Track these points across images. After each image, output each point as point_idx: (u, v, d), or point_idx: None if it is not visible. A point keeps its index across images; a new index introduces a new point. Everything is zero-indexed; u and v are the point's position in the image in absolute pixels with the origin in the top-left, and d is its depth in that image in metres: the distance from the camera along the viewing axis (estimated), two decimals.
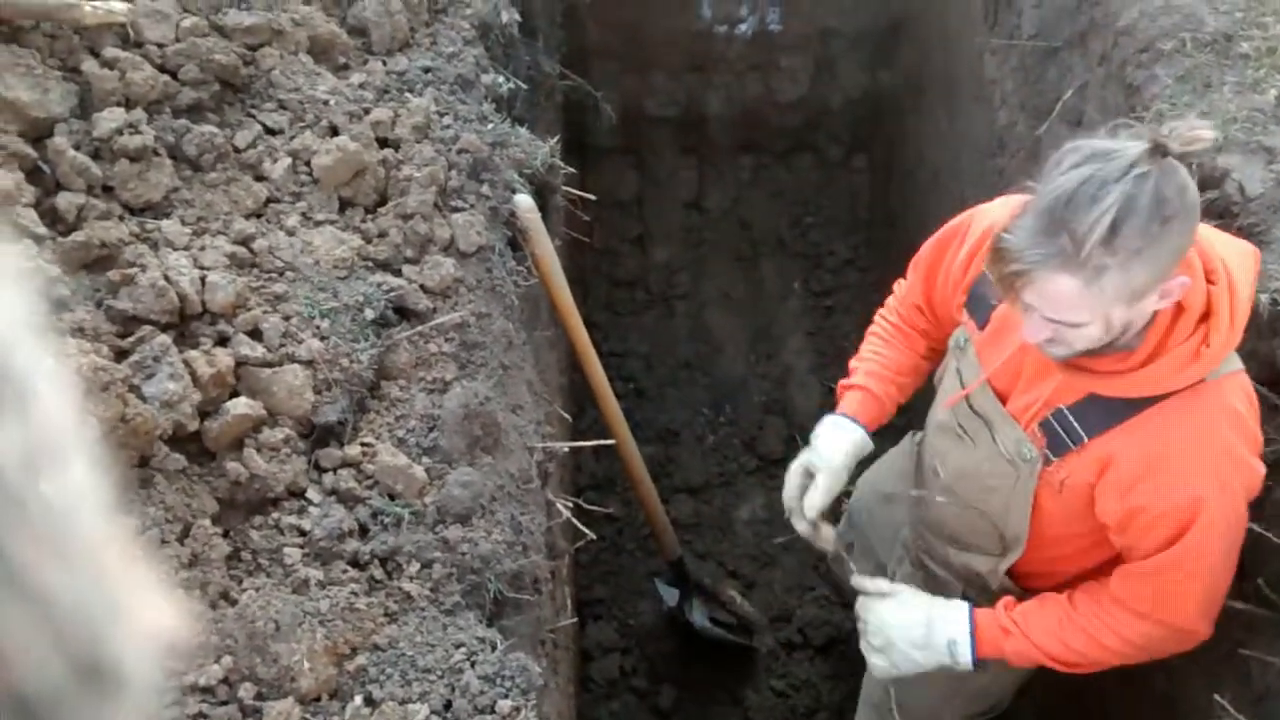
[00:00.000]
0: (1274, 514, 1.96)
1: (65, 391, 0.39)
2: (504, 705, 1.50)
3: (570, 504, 2.06)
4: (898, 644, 1.96)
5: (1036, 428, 1.78)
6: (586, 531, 2.16)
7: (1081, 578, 1.91)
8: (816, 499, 2.05)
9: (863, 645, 2.03)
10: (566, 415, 2.36)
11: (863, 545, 2.58)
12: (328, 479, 1.67)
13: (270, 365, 1.68)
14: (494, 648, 1.57)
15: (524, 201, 2.07)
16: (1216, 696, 1.90)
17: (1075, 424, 1.72)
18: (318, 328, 1.76)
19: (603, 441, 2.24)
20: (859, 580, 2.06)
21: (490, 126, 2.14)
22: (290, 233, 1.84)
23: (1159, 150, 1.40)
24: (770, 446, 3.68)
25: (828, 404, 2.20)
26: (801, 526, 2.09)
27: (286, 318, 1.75)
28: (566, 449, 2.15)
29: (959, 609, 1.93)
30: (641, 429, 3.66)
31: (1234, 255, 1.64)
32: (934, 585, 2.13)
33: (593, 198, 2.49)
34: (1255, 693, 1.96)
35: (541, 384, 2.20)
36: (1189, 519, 1.65)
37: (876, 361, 2.11)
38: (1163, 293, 1.51)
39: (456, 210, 1.98)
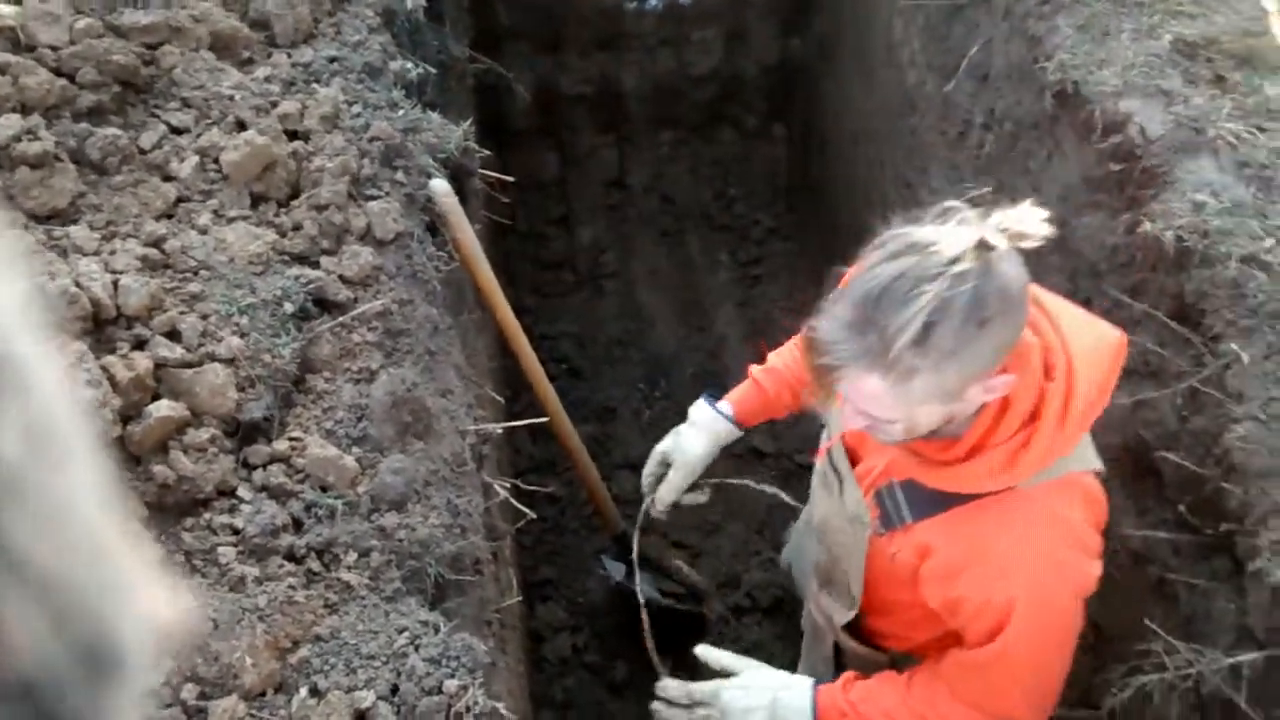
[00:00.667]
0: (1191, 443, 2.03)
1: (63, 378, 0.39)
2: (451, 685, 1.51)
3: (508, 485, 2.07)
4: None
5: (873, 496, 1.73)
6: (526, 511, 2.17)
7: (938, 642, 1.83)
8: (668, 495, 2.12)
9: None
10: (499, 398, 2.36)
11: (797, 570, 2.57)
12: (257, 476, 1.66)
13: (190, 366, 1.66)
14: (437, 630, 1.57)
15: (440, 186, 2.07)
16: (1147, 621, 1.96)
17: (902, 503, 1.67)
18: (237, 325, 1.74)
19: (535, 420, 2.24)
20: (704, 651, 2.00)
21: (401, 113, 2.13)
22: (203, 231, 1.82)
23: (983, 247, 1.30)
24: None
25: None
26: (654, 513, 2.14)
27: (204, 317, 1.73)
28: (500, 430, 2.15)
29: (802, 692, 1.84)
30: (578, 408, 3.67)
31: (1086, 348, 1.53)
32: (815, 629, 2.13)
33: (511, 179, 2.49)
34: (1183, 615, 2.02)
35: (470, 368, 2.20)
36: (1004, 618, 1.57)
37: (783, 360, 2.12)
38: (986, 388, 1.43)
39: (371, 199, 1.97)
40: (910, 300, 1.31)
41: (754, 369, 2.15)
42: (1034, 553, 1.54)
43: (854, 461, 1.80)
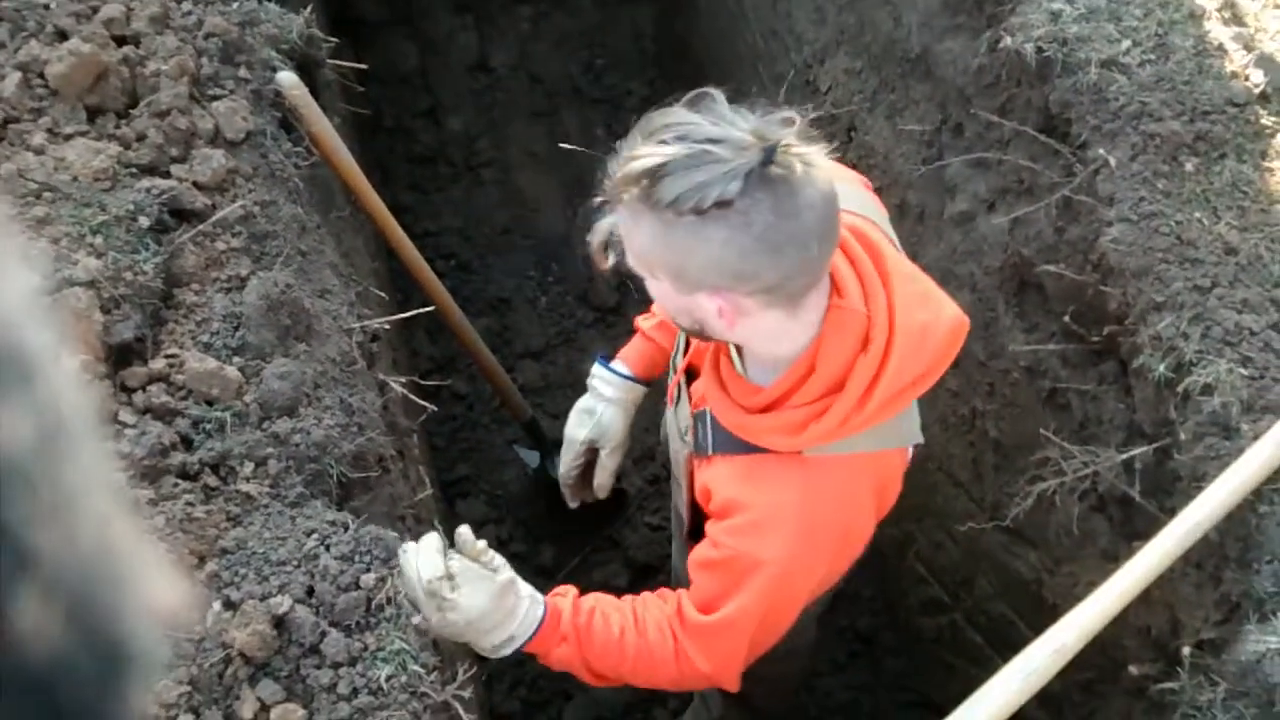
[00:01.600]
0: (1069, 253, 2.07)
1: (71, 370, 0.38)
2: (367, 579, 1.49)
3: (403, 381, 2.03)
4: (469, 625, 1.57)
5: (694, 416, 1.70)
6: (427, 406, 2.14)
7: None
8: (606, 480, 2.04)
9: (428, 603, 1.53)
10: (383, 295, 2.31)
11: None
12: (138, 398, 1.59)
13: (48, 293, 1.58)
14: (346, 528, 1.55)
15: (286, 79, 1.97)
16: (1042, 430, 2.03)
17: (710, 432, 1.63)
18: (91, 245, 1.65)
19: (421, 310, 2.20)
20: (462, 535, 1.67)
21: (236, 5, 2.01)
22: (38, 151, 1.71)
23: (768, 148, 1.25)
24: (604, 297, 3.69)
25: None
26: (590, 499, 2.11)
27: (55, 241, 1.64)
28: (389, 328, 2.10)
29: (534, 614, 1.65)
30: (472, 302, 3.61)
31: (914, 327, 1.47)
32: (676, 519, 2.13)
33: (364, 68, 2.39)
34: (1077, 422, 2.09)
35: (350, 267, 2.14)
36: (745, 576, 1.54)
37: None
38: (721, 308, 1.38)
39: (215, 99, 1.87)
40: (670, 140, 1.27)
41: (640, 323, 2.08)
42: (796, 527, 1.51)
43: (692, 379, 1.76)
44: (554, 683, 2.97)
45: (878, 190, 2.42)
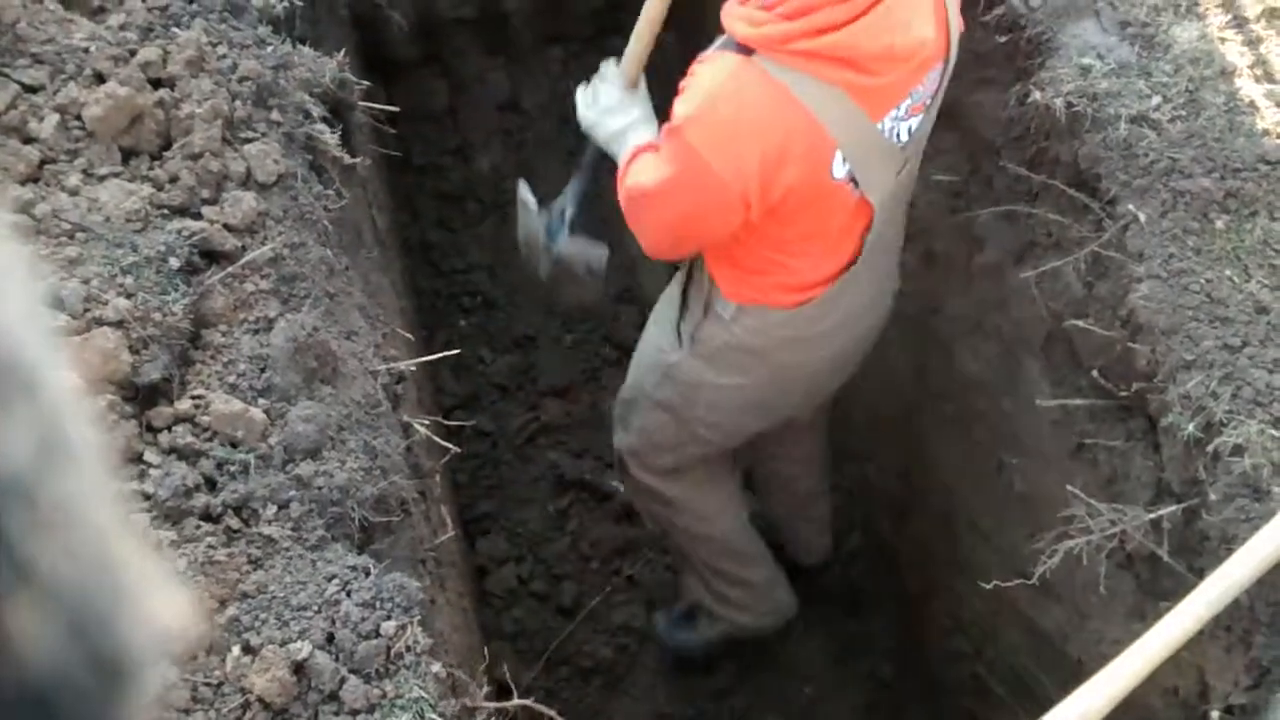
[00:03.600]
0: (1098, 308, 2.06)
1: (72, 384, 0.38)
2: (388, 627, 1.49)
3: (427, 422, 2.03)
4: (603, 107, 2.24)
5: None
6: (450, 447, 2.14)
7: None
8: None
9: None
10: (409, 336, 2.32)
11: None
12: (163, 438, 1.60)
13: (78, 333, 1.59)
14: (368, 573, 1.54)
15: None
16: (1069, 487, 2.01)
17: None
18: (121, 286, 1.67)
19: (448, 353, 2.20)
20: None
21: (270, 49, 2.04)
22: (73, 192, 1.74)
23: None
24: (626, 335, 3.69)
25: None
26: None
27: (85, 281, 1.65)
28: (414, 369, 2.11)
29: (647, 130, 2.16)
30: (497, 339, 3.63)
31: (899, 20, 1.73)
32: None
33: (396, 110, 2.41)
34: (1104, 477, 2.07)
35: (376, 307, 2.15)
36: (669, 135, 1.89)
37: None
38: None
39: (248, 141, 1.89)
40: None
41: None
42: (707, 89, 1.80)
43: None
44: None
45: (906, 239, 2.44)
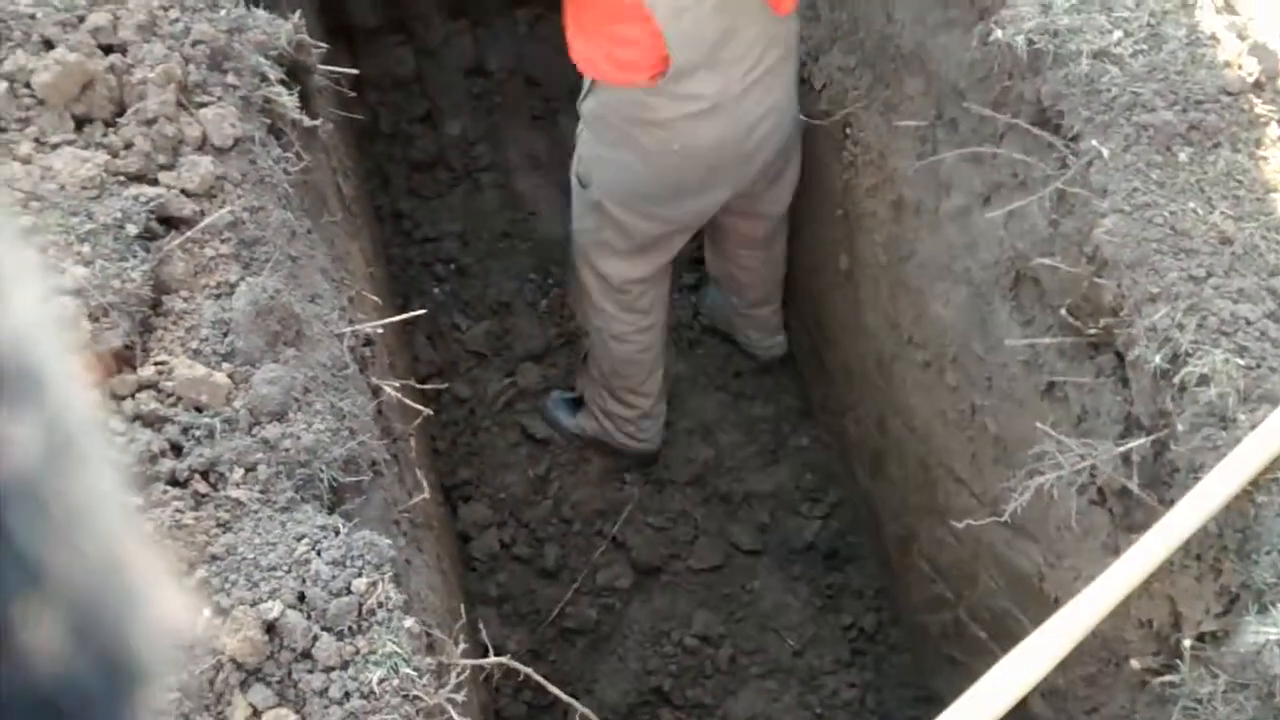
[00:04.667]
0: (1064, 245, 2.06)
1: (81, 385, 0.39)
2: (359, 584, 1.49)
3: (396, 385, 2.02)
4: None
5: None
6: (421, 409, 2.14)
7: None
8: None
9: None
10: (377, 300, 2.30)
11: None
12: (127, 405, 1.59)
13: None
14: (338, 532, 1.54)
15: None
16: (1039, 424, 2.01)
17: None
18: (79, 254, 1.65)
19: (417, 312, 2.20)
20: None
21: (223, 13, 2.01)
22: (25, 161, 1.71)
23: None
24: None
25: None
26: None
27: (42, 249, 1.63)
28: (382, 331, 2.09)
29: None
30: (472, 306, 3.61)
31: None
32: None
33: (353, 71, 2.38)
34: (1075, 415, 2.08)
35: (342, 271, 2.13)
36: None
37: None
38: None
39: (203, 106, 1.87)
40: None
41: None
42: None
43: None
44: (560, 686, 2.96)
45: (874, 185, 2.42)
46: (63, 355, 0.39)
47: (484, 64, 3.99)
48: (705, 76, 2.41)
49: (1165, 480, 1.81)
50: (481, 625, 2.23)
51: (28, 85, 1.78)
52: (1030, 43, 2.02)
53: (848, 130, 2.74)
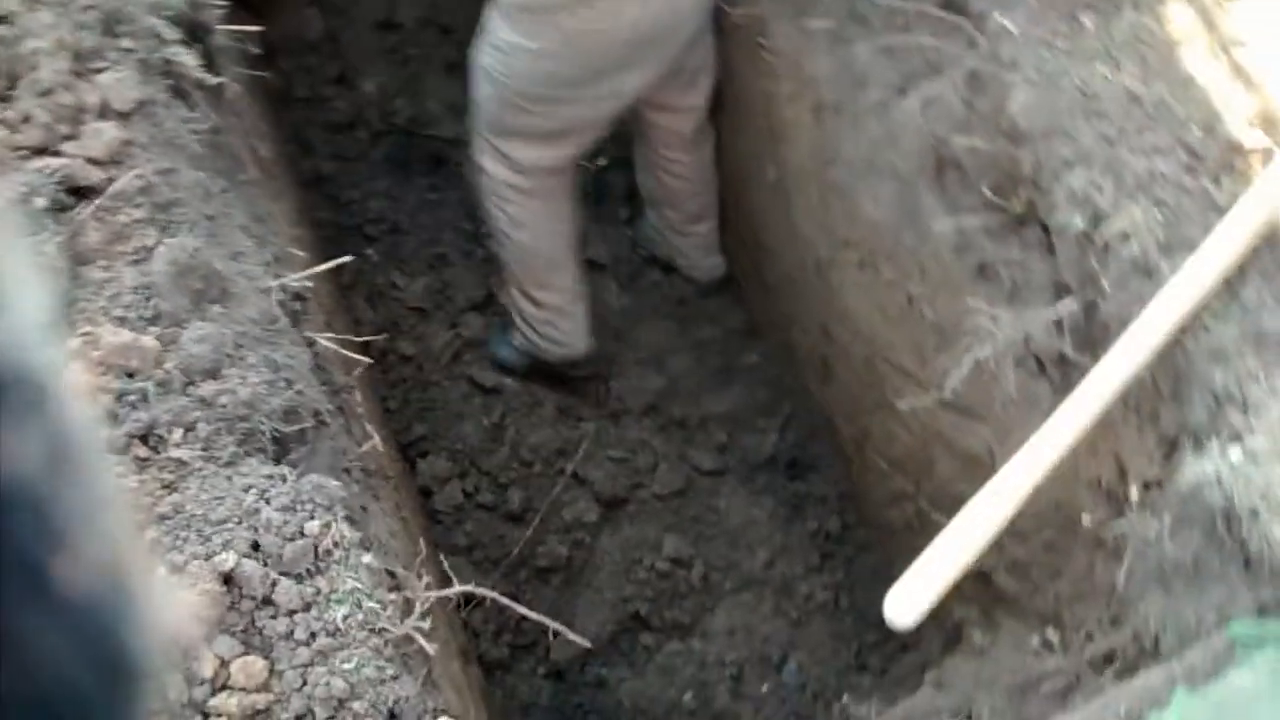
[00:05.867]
0: (981, 124, 2.07)
1: (81, 392, 0.37)
2: (312, 526, 1.49)
3: (330, 336, 2.01)
4: None
5: None
6: (360, 358, 2.12)
7: None
8: None
9: None
10: (304, 255, 2.27)
11: None
12: None
13: None
14: (284, 480, 1.54)
15: None
16: (970, 300, 2.03)
17: None
18: None
19: (339, 260, 2.17)
20: None
21: None
22: None
23: None
24: None
25: None
26: None
27: None
28: (311, 284, 2.07)
29: None
30: (408, 263, 3.58)
31: None
32: None
33: (258, 29, 2.34)
34: (1006, 292, 2.10)
35: (263, 229, 2.11)
36: None
37: None
38: None
39: (100, 72, 1.83)
40: None
41: None
42: None
43: None
44: (538, 625, 2.99)
45: (792, 92, 2.41)
46: (61, 363, 0.39)
47: (394, 16, 3.93)
48: None
49: (1099, 340, 1.85)
50: (444, 561, 2.24)
51: None
52: None
53: (761, 40, 2.73)
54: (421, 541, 2.43)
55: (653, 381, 3.39)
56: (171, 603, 0.45)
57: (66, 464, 0.38)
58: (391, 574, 1.66)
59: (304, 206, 3.32)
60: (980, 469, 2.32)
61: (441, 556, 2.18)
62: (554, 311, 3.16)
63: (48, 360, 0.38)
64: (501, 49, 2.63)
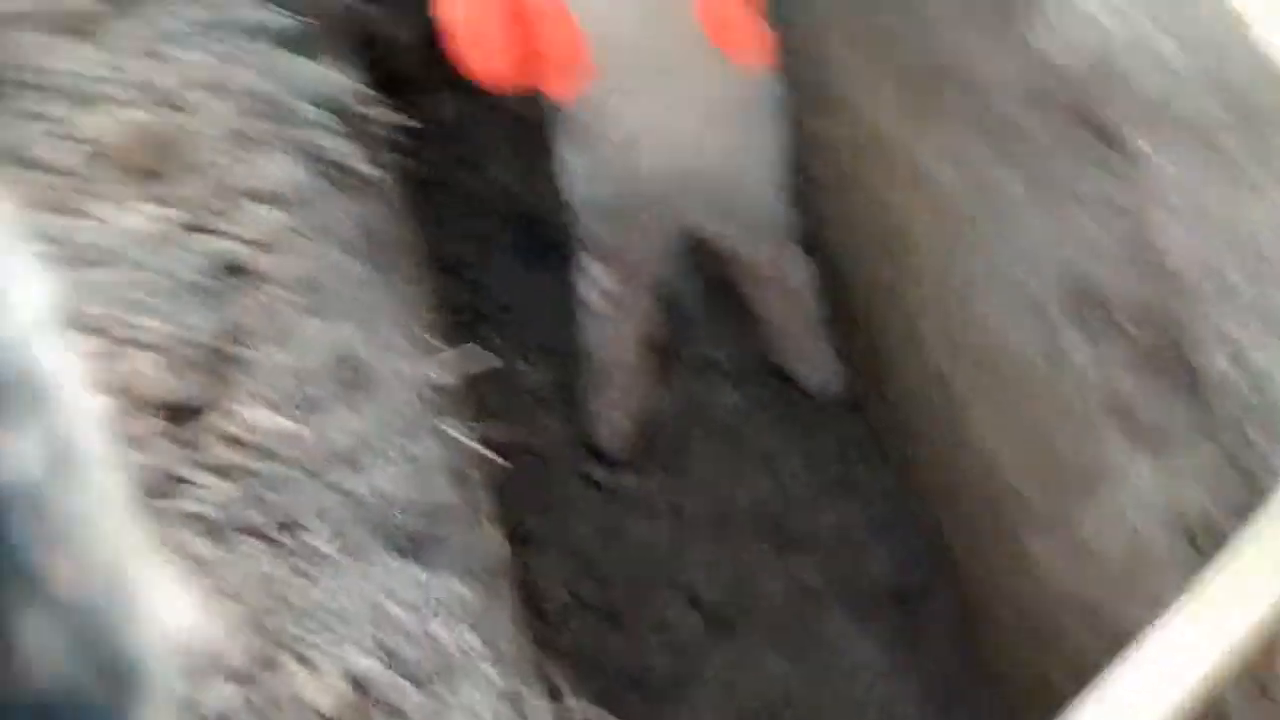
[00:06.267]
0: (1123, 256, 2.01)
1: (83, 391, 0.39)
2: (439, 630, 1.47)
3: (467, 431, 2.01)
4: None
5: None
6: (495, 457, 2.12)
7: None
8: None
9: None
10: (443, 346, 2.29)
11: None
12: (205, 457, 1.59)
13: (110, 356, 1.58)
14: (415, 580, 1.52)
15: None
16: (1110, 445, 1.95)
17: None
18: (150, 307, 1.66)
19: (489, 364, 2.18)
20: None
21: (282, 67, 2.04)
22: (94, 218, 1.73)
23: None
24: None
25: None
26: None
27: (113, 304, 1.64)
28: (452, 380, 2.08)
29: None
30: (530, 351, 3.59)
31: None
32: None
33: (411, 123, 2.41)
34: (1147, 433, 2.02)
35: (408, 317, 2.13)
36: None
37: None
38: None
39: (264, 157, 1.88)
40: None
41: None
42: None
43: None
44: None
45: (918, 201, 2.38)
46: (63, 364, 0.38)
47: (526, 108, 4.01)
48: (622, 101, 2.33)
49: (1247, 498, 1.75)
50: (559, 674, 2.19)
51: (96, 143, 1.80)
52: (1081, 52, 1.99)
53: (880, 142, 2.72)
54: (530, 644, 2.40)
55: (763, 487, 3.33)
56: (176, 609, 0.42)
57: (68, 467, 0.37)
58: (509, 684, 1.63)
59: (434, 288, 3.38)
60: (1114, 630, 2.21)
61: (549, 664, 2.13)
62: (595, 409, 3.26)
63: (50, 363, 0.37)
64: (561, 158, 2.66)
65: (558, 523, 3.26)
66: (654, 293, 3.03)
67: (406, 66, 3.70)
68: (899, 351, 2.99)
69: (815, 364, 3.30)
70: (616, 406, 3.22)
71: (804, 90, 2.77)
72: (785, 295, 3.08)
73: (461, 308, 3.66)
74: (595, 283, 2.88)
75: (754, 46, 2.26)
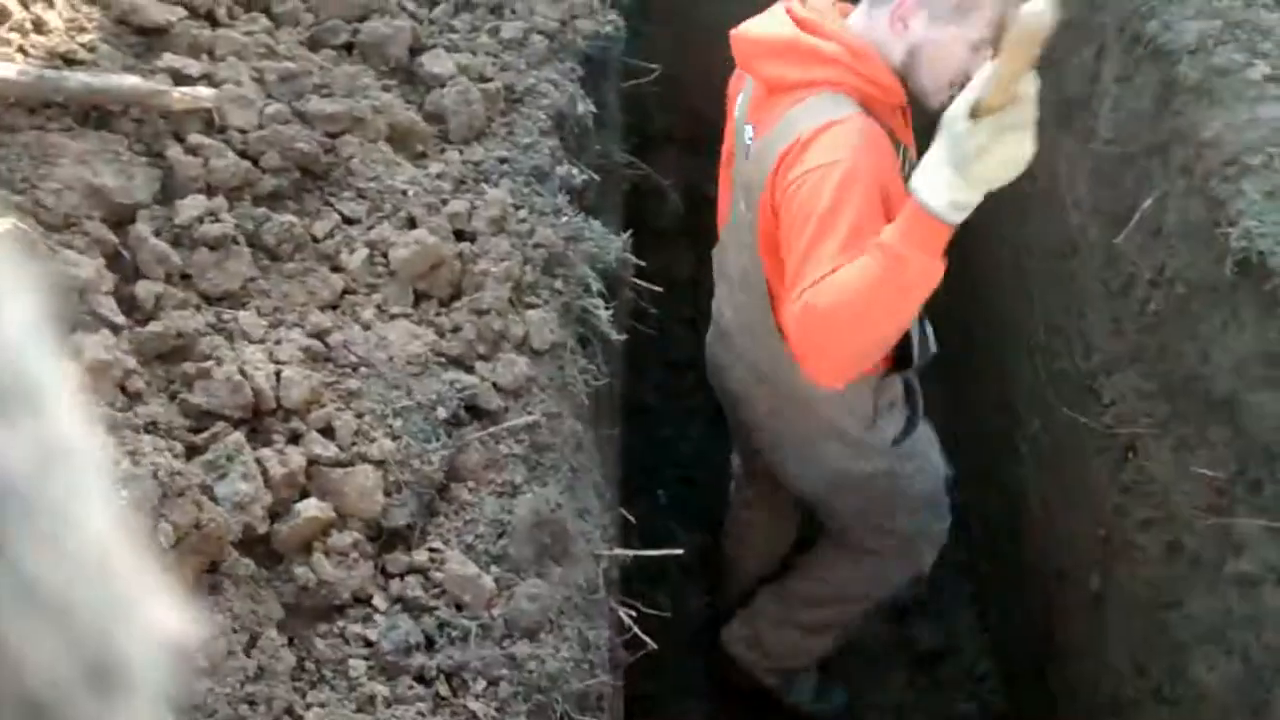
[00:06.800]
0: None
1: (74, 394, 0.40)
2: None
3: (634, 614, 1.99)
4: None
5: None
6: (651, 643, 2.09)
7: None
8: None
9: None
10: (630, 518, 2.30)
11: None
12: (394, 586, 1.62)
13: (342, 465, 1.64)
14: None
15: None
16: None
17: None
18: (390, 427, 1.71)
19: (669, 551, 2.17)
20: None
21: (565, 220, 2.11)
22: (366, 326, 1.81)
23: None
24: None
25: None
26: None
27: (359, 415, 1.71)
28: (631, 558, 2.08)
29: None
30: (689, 517, 3.58)
31: None
32: None
33: (659, 289, 2.45)
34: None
35: (609, 489, 2.15)
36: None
37: None
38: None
39: (531, 307, 1.95)
40: None
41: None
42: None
43: None
44: None
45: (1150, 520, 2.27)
46: (54, 367, 0.39)
47: None
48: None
49: None
50: None
51: (385, 255, 1.90)
52: None
53: (1130, 454, 2.62)
54: None
55: None
56: (163, 609, 0.42)
57: (59, 468, 0.37)
58: None
59: (622, 434, 3.41)
60: None
61: None
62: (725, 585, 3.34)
63: (42, 366, 0.38)
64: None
65: (673, 692, 3.20)
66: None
67: (661, 223, 3.83)
68: (1077, 652, 2.85)
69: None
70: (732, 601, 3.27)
71: None
72: (776, 524, 3.27)
73: (639, 453, 3.68)
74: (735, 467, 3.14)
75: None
